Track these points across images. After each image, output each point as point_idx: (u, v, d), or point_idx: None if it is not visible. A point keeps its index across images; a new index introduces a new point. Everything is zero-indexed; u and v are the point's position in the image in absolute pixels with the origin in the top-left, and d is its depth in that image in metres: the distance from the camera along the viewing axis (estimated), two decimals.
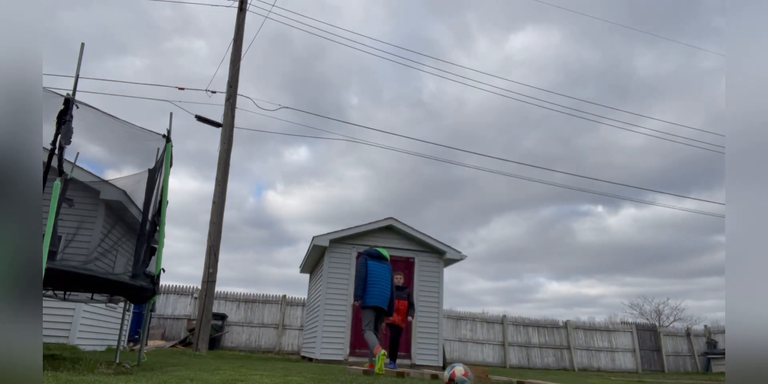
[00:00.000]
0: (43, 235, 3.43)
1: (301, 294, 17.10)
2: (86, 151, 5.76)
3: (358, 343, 10.66)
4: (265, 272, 40.45)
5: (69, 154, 4.66)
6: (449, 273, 47.18)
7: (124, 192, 7.81)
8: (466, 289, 41.46)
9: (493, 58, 33.82)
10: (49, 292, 5.12)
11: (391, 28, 35.92)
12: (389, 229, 11.63)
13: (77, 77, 4.43)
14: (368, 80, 37.60)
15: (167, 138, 5.31)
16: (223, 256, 38.25)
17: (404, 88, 37.53)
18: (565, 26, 34.04)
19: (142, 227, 5.21)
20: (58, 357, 5.13)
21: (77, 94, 4.32)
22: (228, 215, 41.05)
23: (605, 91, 34.12)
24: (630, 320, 20.96)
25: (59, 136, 4.00)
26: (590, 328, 19.42)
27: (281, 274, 42.30)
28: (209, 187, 11.45)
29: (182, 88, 11.83)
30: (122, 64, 28.83)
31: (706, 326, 20.85)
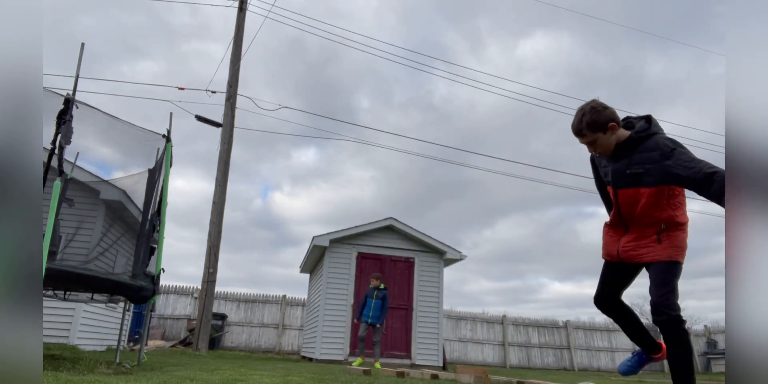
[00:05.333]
0: (43, 235, 3.43)
1: (304, 294, 17.10)
2: (88, 152, 5.77)
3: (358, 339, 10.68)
4: (268, 272, 40.44)
5: (69, 154, 4.66)
6: (452, 273, 47.13)
7: (124, 192, 7.81)
8: (469, 290, 41.41)
9: (505, 63, 33.91)
10: (49, 292, 5.12)
11: (402, 35, 36.00)
12: (389, 229, 11.64)
13: (77, 77, 4.43)
14: (380, 84, 37.64)
15: (167, 138, 5.31)
16: (227, 257, 38.24)
17: (416, 91, 37.58)
18: (576, 31, 34.13)
19: (142, 227, 5.21)
20: (58, 357, 5.13)
21: (77, 94, 4.33)
22: (234, 216, 41.08)
23: (616, 95, 34.21)
24: None
25: (59, 136, 4.00)
26: (590, 328, 19.41)
27: (284, 275, 42.28)
28: None
29: (182, 88, 11.84)
30: (138, 68, 28.91)
31: (706, 326, 20.85)
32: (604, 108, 2.60)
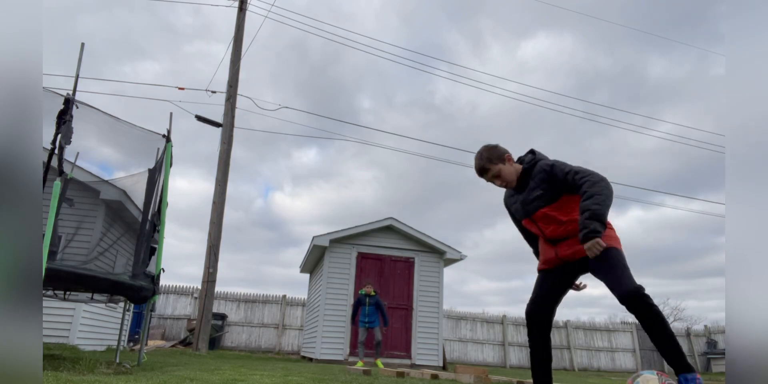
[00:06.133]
0: (43, 235, 3.43)
1: (304, 294, 17.10)
2: (89, 152, 5.77)
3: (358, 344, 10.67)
4: (268, 272, 40.49)
5: (69, 154, 4.66)
6: (452, 274, 47.03)
7: (124, 192, 7.82)
8: (470, 290, 41.47)
9: (507, 64, 33.97)
10: (49, 292, 5.12)
11: (404, 35, 36.06)
12: (389, 229, 11.64)
13: (77, 77, 4.44)
14: (381, 84, 37.68)
15: (167, 138, 5.31)
16: (228, 257, 38.22)
17: (417, 91, 37.64)
18: (577, 32, 34.18)
19: (142, 227, 5.21)
20: (58, 357, 5.13)
21: (78, 94, 4.33)
22: (235, 216, 41.13)
23: (617, 96, 34.25)
24: (630, 320, 20.94)
25: (59, 136, 4.00)
26: (590, 328, 19.42)
27: (284, 275, 42.31)
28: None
29: (182, 88, 11.84)
30: (140, 68, 28.94)
31: (706, 326, 20.84)
32: (495, 145, 3.08)
